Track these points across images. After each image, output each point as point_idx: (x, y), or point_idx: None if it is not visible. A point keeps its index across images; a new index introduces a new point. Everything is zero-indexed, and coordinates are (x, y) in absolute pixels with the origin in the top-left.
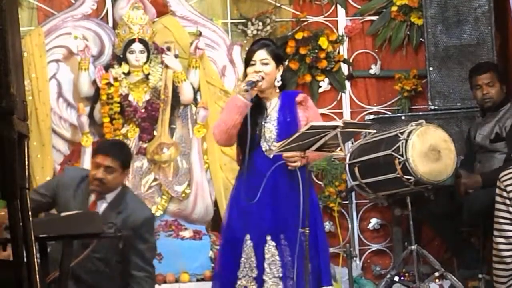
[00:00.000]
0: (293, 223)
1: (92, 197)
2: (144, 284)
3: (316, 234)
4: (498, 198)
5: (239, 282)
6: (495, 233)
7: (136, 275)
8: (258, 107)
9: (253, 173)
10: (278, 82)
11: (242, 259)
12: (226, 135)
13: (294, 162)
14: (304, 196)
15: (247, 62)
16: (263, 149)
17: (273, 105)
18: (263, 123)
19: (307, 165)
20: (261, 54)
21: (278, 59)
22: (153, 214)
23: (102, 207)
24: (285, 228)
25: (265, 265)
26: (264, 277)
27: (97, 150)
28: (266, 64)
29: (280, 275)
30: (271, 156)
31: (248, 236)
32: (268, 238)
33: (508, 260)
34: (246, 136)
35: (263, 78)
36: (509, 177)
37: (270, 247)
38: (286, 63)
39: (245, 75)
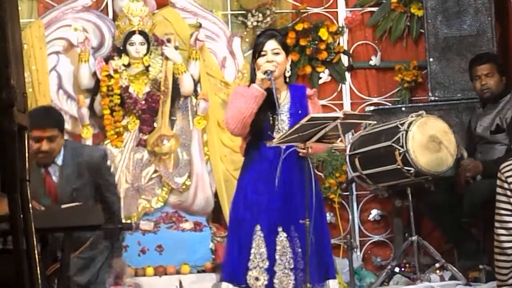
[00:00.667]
0: (303, 215)
1: (42, 170)
2: (117, 203)
3: (323, 227)
4: (499, 190)
5: (249, 273)
6: (496, 224)
7: (110, 197)
8: (270, 98)
9: (265, 163)
10: (288, 72)
11: (253, 250)
12: (241, 125)
13: (304, 148)
14: (311, 187)
15: (257, 53)
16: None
17: (284, 97)
18: (275, 115)
19: (310, 157)
20: (271, 44)
21: (287, 49)
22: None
23: (56, 172)
24: (296, 219)
25: (276, 256)
26: (275, 268)
27: (32, 125)
28: (278, 54)
29: (291, 266)
30: (270, 144)
31: (258, 227)
32: (280, 229)
33: (510, 251)
34: (257, 126)
35: (276, 67)
36: (510, 169)
37: (282, 238)
38: None
39: (253, 67)
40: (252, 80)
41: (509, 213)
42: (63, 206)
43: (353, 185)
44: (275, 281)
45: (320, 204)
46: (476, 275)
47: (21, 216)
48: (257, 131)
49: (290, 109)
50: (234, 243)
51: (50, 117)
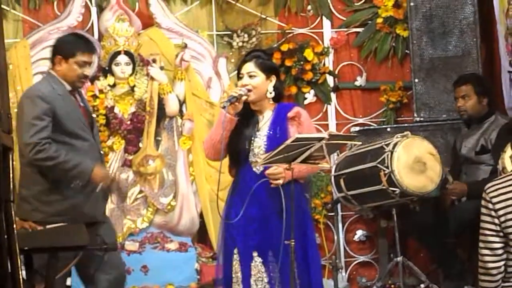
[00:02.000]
0: (282, 239)
1: (72, 98)
2: None
3: (306, 249)
4: (483, 210)
5: None
6: (481, 244)
7: None
8: (250, 120)
9: (242, 187)
10: (270, 93)
11: (233, 273)
12: (213, 150)
13: (277, 180)
14: (288, 210)
15: (238, 74)
16: (252, 164)
17: (266, 119)
18: (253, 137)
19: (292, 180)
20: (249, 67)
21: (268, 70)
22: None
23: (79, 99)
24: (273, 244)
25: (251, 282)
26: None
27: (84, 48)
28: (254, 76)
29: None
30: (259, 168)
31: (236, 251)
32: (255, 254)
33: (494, 271)
34: (235, 150)
35: (249, 91)
36: (494, 189)
37: (257, 264)
38: None
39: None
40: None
41: (493, 233)
42: (48, 226)
43: (339, 205)
44: None
45: (306, 225)
46: None
47: (5, 236)
48: (234, 154)
49: (268, 132)
50: (221, 266)
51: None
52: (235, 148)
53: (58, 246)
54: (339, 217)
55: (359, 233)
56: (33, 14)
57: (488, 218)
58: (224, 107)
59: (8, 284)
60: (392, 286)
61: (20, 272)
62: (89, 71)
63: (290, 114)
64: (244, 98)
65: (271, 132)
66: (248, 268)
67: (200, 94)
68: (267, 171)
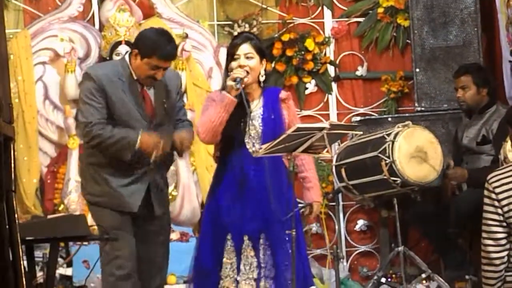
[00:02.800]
0: (275, 223)
1: (139, 86)
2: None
3: (298, 235)
4: (486, 200)
5: (221, 283)
6: (484, 235)
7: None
8: (241, 103)
9: (236, 170)
10: (262, 76)
11: (224, 259)
12: (212, 133)
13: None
14: (291, 196)
15: (230, 56)
16: (248, 146)
17: (257, 102)
18: (247, 120)
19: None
20: (245, 48)
21: (262, 53)
22: None
23: (150, 91)
24: (266, 228)
25: (241, 266)
26: (238, 278)
27: (163, 55)
28: (251, 58)
29: (255, 276)
30: (255, 151)
31: (229, 236)
32: (245, 238)
33: (497, 262)
34: (228, 133)
35: (248, 73)
36: (497, 179)
37: (246, 248)
38: (273, 65)
39: (227, 69)
40: (224, 84)
41: (496, 223)
42: (49, 216)
43: (340, 195)
44: None
45: (295, 212)
46: (462, 286)
47: (7, 226)
48: (228, 138)
49: (262, 114)
50: (205, 251)
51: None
52: (230, 131)
53: (59, 236)
54: (340, 207)
55: (360, 223)
56: (34, 4)
57: (491, 208)
58: (238, 89)
59: (9, 274)
60: (393, 276)
61: (21, 262)
62: (161, 74)
63: (282, 96)
64: (245, 80)
65: (265, 114)
66: (240, 253)
67: (201, 84)
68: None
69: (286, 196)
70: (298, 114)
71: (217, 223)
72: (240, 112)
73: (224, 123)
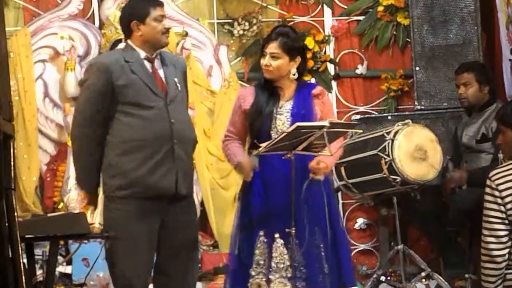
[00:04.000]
0: (306, 222)
1: (148, 64)
2: None
3: (336, 233)
4: (489, 198)
5: (251, 280)
6: (485, 232)
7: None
8: (270, 96)
9: (266, 166)
10: (293, 75)
11: (256, 256)
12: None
13: (318, 174)
14: (326, 196)
15: (261, 51)
16: None
17: (288, 96)
18: (274, 114)
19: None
20: (272, 47)
21: (293, 52)
22: None
23: (159, 66)
24: (296, 227)
25: (273, 264)
26: (271, 276)
27: (154, 3)
28: (277, 58)
29: (289, 275)
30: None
31: (262, 233)
32: (277, 236)
33: (499, 259)
34: (256, 128)
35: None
36: (500, 176)
37: (278, 245)
38: None
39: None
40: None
41: (499, 221)
42: (49, 214)
43: (339, 194)
44: None
45: (333, 210)
46: (462, 284)
47: (6, 224)
48: (255, 133)
49: (292, 109)
50: (239, 247)
51: None
52: (256, 126)
53: (59, 234)
54: (340, 206)
55: (360, 221)
56: (33, 2)
57: (494, 206)
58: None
59: (9, 272)
60: (393, 274)
61: (21, 260)
62: (166, 23)
63: (315, 91)
64: (273, 76)
65: (295, 109)
66: (271, 251)
67: (201, 82)
68: (311, 164)
69: (315, 195)
70: None
71: (249, 220)
72: (266, 107)
73: (245, 128)
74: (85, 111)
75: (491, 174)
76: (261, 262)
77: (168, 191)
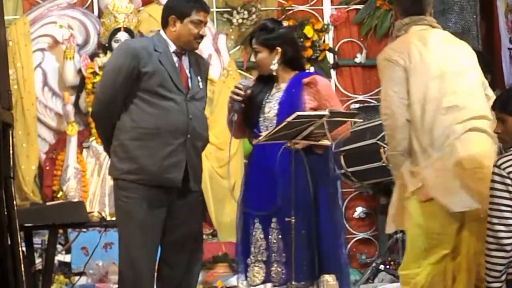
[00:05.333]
0: (290, 208)
1: (175, 58)
2: None
3: (318, 221)
4: (499, 186)
5: (249, 269)
6: (494, 220)
7: None
8: (265, 85)
9: (258, 153)
10: (273, 65)
11: (253, 243)
12: (231, 130)
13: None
14: (306, 181)
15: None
16: (262, 128)
17: (281, 86)
18: (264, 101)
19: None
20: (254, 43)
21: (270, 44)
22: None
23: (186, 62)
24: (278, 212)
25: (252, 248)
26: (248, 261)
27: (199, 7)
28: (258, 52)
29: (264, 259)
30: (257, 142)
31: (257, 219)
32: (256, 220)
33: (508, 248)
34: (247, 115)
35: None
36: (510, 164)
37: (257, 230)
38: None
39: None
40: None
41: (510, 209)
42: (48, 203)
43: (338, 182)
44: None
45: (326, 199)
46: None
47: (5, 213)
48: (247, 119)
49: (281, 97)
50: (238, 237)
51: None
52: (247, 113)
53: (58, 223)
54: (339, 194)
55: (359, 210)
56: None
57: (505, 194)
58: (231, 121)
59: (8, 260)
60: (392, 262)
61: (20, 248)
62: (205, 30)
63: (305, 80)
64: (248, 92)
65: (283, 98)
66: (269, 235)
67: None
68: None
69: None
70: None
71: (245, 207)
72: (259, 95)
73: (234, 123)
74: (107, 90)
75: (499, 162)
76: (257, 250)
77: (174, 183)
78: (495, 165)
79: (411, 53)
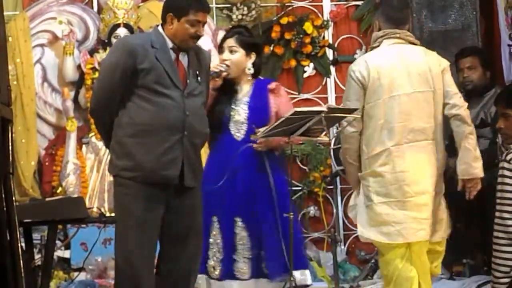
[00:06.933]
0: (253, 206)
1: (173, 54)
2: None
3: (286, 219)
4: (509, 181)
5: (208, 262)
6: (505, 215)
7: None
8: (228, 90)
9: (221, 154)
10: (249, 69)
11: (210, 240)
12: None
13: (260, 147)
14: (268, 181)
15: (220, 48)
16: (232, 132)
17: (245, 91)
18: (232, 106)
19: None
20: (230, 42)
21: (249, 47)
22: None
23: (184, 58)
24: (250, 211)
25: (237, 246)
26: (234, 257)
27: (198, 7)
28: (234, 51)
29: (250, 256)
30: (239, 136)
31: (215, 218)
32: (238, 219)
33: None
34: (216, 118)
35: (228, 66)
36: None
37: (240, 229)
38: (271, 48)
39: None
40: None
41: None
42: (47, 199)
43: (338, 178)
44: (235, 269)
45: (284, 197)
46: (460, 269)
47: (5, 208)
48: (216, 123)
49: (249, 102)
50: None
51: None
52: (219, 116)
53: (57, 218)
54: (338, 190)
55: None
56: None
57: None
58: (215, 80)
59: (7, 256)
60: None
61: (19, 244)
62: (203, 30)
63: (271, 86)
64: (224, 74)
65: (252, 103)
66: (230, 235)
67: None
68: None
69: (271, 180)
70: (296, 98)
71: (205, 205)
72: (224, 99)
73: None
74: (104, 87)
75: (509, 157)
76: (214, 248)
77: (171, 180)
78: (504, 160)
79: (371, 70)
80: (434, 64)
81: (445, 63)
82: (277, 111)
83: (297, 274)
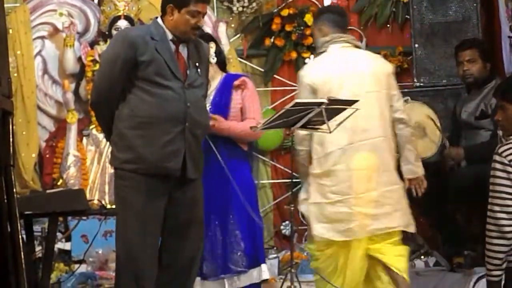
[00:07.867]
0: (216, 204)
1: (173, 46)
2: None
3: (243, 216)
4: (500, 174)
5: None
6: (496, 208)
7: None
8: None
9: None
10: (213, 59)
11: None
12: None
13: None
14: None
15: None
16: None
17: (213, 86)
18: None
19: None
20: None
21: (204, 39)
22: None
23: (184, 50)
24: (213, 208)
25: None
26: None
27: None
28: None
29: (218, 252)
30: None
31: None
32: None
33: (510, 235)
34: None
35: None
36: (511, 152)
37: (212, 227)
38: (272, 40)
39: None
40: None
41: (511, 197)
42: (48, 191)
43: None
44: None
45: (247, 192)
46: (460, 261)
47: (5, 200)
48: None
49: (213, 98)
50: None
51: None
52: None
53: (58, 211)
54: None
55: None
56: None
57: (506, 182)
58: None
59: (8, 248)
60: None
61: (20, 236)
62: (203, 21)
63: (236, 82)
64: None
65: (216, 99)
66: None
67: None
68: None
69: (238, 176)
70: (297, 90)
71: None
72: None
73: None
74: (105, 79)
75: (501, 150)
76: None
77: (173, 172)
78: (496, 153)
79: (320, 75)
80: (382, 66)
81: (391, 67)
82: (241, 107)
83: (254, 272)
